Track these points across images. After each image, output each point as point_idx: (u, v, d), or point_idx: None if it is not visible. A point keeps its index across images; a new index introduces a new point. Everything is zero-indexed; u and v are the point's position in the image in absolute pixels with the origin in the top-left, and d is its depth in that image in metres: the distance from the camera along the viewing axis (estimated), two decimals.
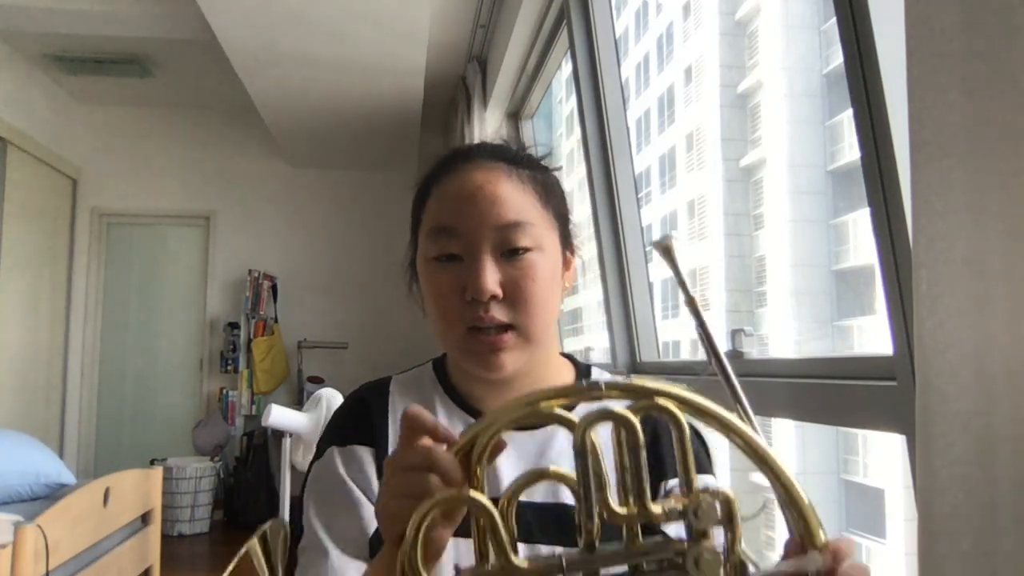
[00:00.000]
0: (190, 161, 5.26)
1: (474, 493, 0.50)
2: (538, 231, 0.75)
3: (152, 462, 4.38)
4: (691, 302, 0.59)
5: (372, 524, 0.73)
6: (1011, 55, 0.56)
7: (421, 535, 0.48)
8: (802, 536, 0.49)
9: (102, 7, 3.47)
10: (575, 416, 0.49)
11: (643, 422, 0.76)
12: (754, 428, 0.51)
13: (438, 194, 0.78)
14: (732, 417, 0.50)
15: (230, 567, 0.85)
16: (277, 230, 5.31)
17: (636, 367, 2.18)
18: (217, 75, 4.22)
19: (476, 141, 0.84)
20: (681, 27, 6.02)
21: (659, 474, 0.75)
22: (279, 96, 3.96)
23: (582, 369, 0.86)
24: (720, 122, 5.04)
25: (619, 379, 0.50)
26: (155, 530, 2.83)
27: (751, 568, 0.47)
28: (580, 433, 0.48)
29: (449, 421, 0.79)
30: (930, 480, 0.61)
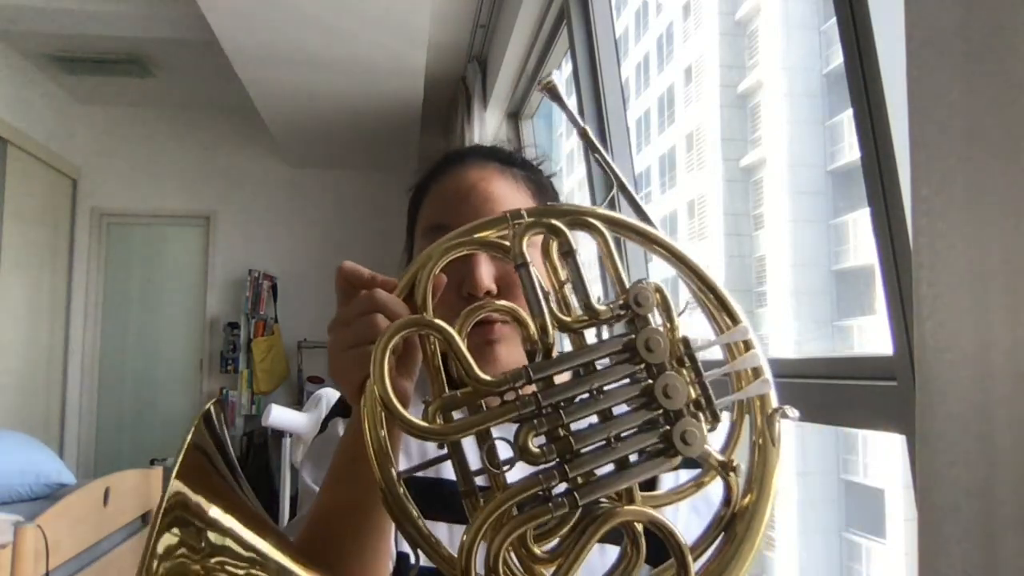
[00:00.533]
0: (190, 161, 5.26)
1: (432, 318, 0.50)
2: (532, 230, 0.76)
3: (152, 462, 4.38)
4: (584, 133, 0.61)
5: None
6: (1012, 55, 0.56)
7: (388, 375, 0.48)
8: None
9: (102, 7, 3.47)
10: (508, 237, 0.51)
11: None
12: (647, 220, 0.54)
13: (433, 194, 0.79)
14: (650, 228, 0.52)
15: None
16: (277, 230, 5.31)
17: None
18: (217, 75, 4.22)
19: (475, 142, 0.87)
20: (681, 27, 6.03)
21: None
22: (279, 96, 3.96)
23: None
24: (720, 122, 5.04)
25: (543, 207, 0.52)
26: None
27: (694, 340, 0.50)
28: (518, 239, 0.50)
29: None
30: (930, 480, 0.61)
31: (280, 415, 2.83)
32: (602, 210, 0.51)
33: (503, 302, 0.53)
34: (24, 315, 4.51)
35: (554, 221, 0.50)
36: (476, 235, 0.52)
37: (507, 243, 0.51)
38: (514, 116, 3.85)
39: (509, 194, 0.77)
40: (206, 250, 5.27)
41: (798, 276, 4.33)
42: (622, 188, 0.61)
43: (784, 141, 4.37)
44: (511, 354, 0.75)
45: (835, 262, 4.08)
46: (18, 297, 4.43)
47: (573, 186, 4.75)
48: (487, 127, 3.65)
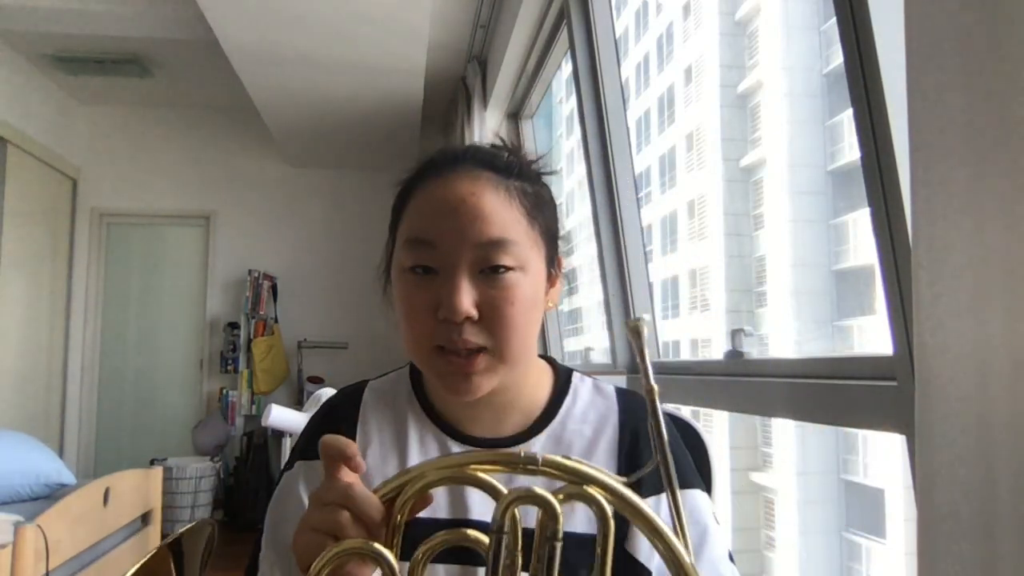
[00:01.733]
0: (190, 161, 5.26)
1: (379, 546, 0.50)
2: (522, 250, 0.70)
3: (152, 462, 4.38)
4: (650, 391, 0.56)
5: None
6: (1011, 55, 0.56)
7: None
8: None
9: (102, 7, 3.47)
10: (503, 488, 0.49)
11: (624, 421, 0.77)
12: (681, 524, 0.50)
13: (420, 199, 0.73)
14: (654, 517, 0.49)
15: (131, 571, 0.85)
16: (277, 230, 5.31)
17: (636, 367, 2.18)
18: (217, 75, 4.21)
19: (475, 141, 0.82)
20: (681, 27, 6.02)
21: (635, 489, 0.72)
22: (279, 96, 3.96)
23: (561, 375, 0.82)
24: (720, 122, 5.04)
25: (558, 458, 0.50)
26: (155, 530, 2.83)
27: None
28: (501, 509, 0.48)
29: (421, 436, 0.76)
30: (930, 480, 0.61)
31: (280, 415, 2.83)
32: (614, 483, 0.49)
33: None
34: (24, 315, 4.51)
35: (548, 497, 0.49)
36: (469, 468, 0.50)
37: (501, 489, 0.49)
38: (514, 116, 3.85)
39: (501, 211, 0.70)
40: (206, 250, 5.27)
41: (798, 276, 4.33)
42: (663, 460, 0.57)
43: (784, 141, 4.37)
44: (488, 384, 0.71)
45: (835, 262, 4.07)
46: (18, 297, 4.43)
47: (573, 186, 4.75)
48: (487, 127, 3.65)
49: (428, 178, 0.73)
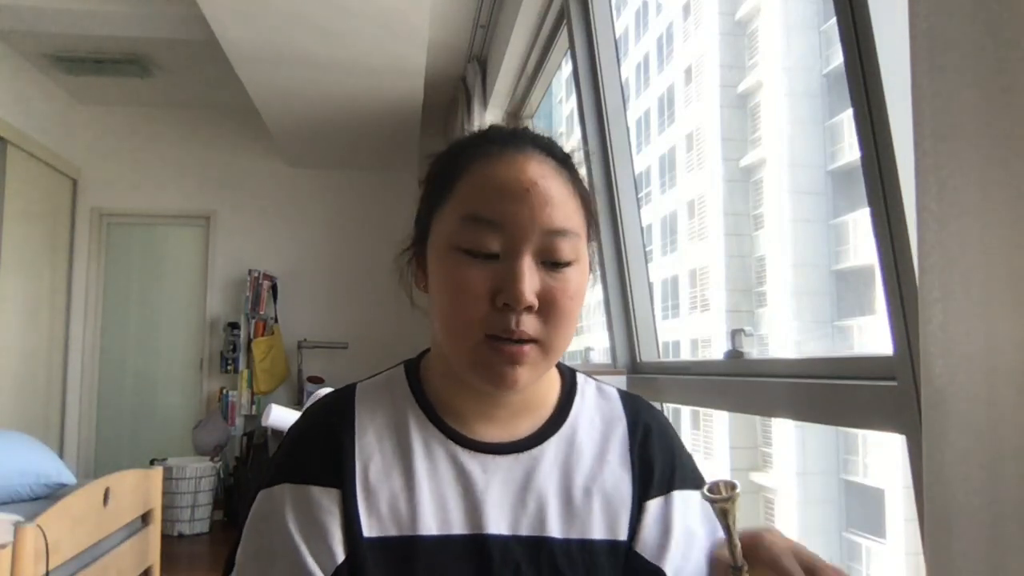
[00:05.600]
0: (190, 161, 5.26)
1: None
2: (580, 244, 0.68)
3: (152, 462, 4.38)
4: (738, 570, 0.54)
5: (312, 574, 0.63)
6: (1015, 55, 0.56)
7: None
8: None
9: (102, 7, 3.47)
10: None
11: (633, 423, 0.76)
12: None
13: (479, 175, 0.67)
14: None
15: None
16: (277, 230, 5.31)
17: (636, 367, 2.18)
18: (217, 75, 4.22)
19: (525, 125, 0.76)
20: (681, 27, 6.02)
21: (644, 484, 0.72)
22: (279, 96, 3.96)
23: (567, 374, 0.80)
24: (720, 122, 5.04)
25: None
26: (155, 530, 2.83)
27: None
28: None
29: (425, 444, 0.70)
30: (935, 479, 0.61)
31: (280, 415, 2.83)
32: None
33: None
34: (24, 315, 4.51)
35: None
36: None
37: None
38: (514, 116, 3.84)
39: (567, 202, 0.68)
40: (206, 250, 5.27)
41: (798, 276, 4.33)
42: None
43: (784, 141, 4.37)
44: (531, 378, 0.67)
45: (835, 262, 4.08)
46: (18, 297, 4.43)
47: None
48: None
49: (487, 153, 0.68)
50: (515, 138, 0.70)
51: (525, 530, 0.67)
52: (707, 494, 0.56)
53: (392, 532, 0.65)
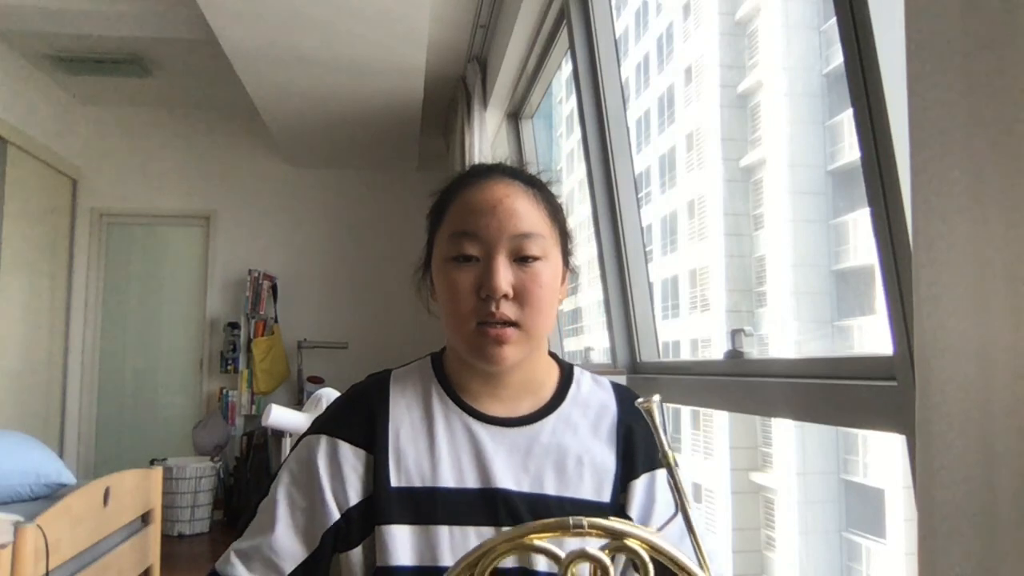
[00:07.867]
0: (190, 161, 5.26)
1: None
2: (546, 243, 0.84)
3: (152, 462, 4.38)
4: (664, 456, 0.67)
5: (328, 518, 0.81)
6: (1012, 54, 0.56)
7: None
8: None
9: (102, 7, 3.46)
10: (560, 552, 0.60)
11: (621, 409, 0.90)
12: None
13: (460, 202, 0.85)
14: (692, 565, 0.59)
15: None
16: (277, 230, 5.30)
17: (636, 367, 2.18)
18: (217, 75, 4.21)
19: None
20: (681, 27, 6.03)
21: (629, 469, 0.86)
22: (279, 96, 3.96)
23: (565, 369, 0.94)
24: (720, 122, 5.04)
25: (600, 520, 0.60)
26: (155, 530, 2.83)
27: None
28: (563, 569, 0.60)
29: (446, 416, 0.86)
30: (930, 479, 0.61)
31: (280, 415, 2.83)
32: (653, 538, 0.60)
33: None
34: (24, 315, 4.51)
35: (600, 555, 0.60)
36: (527, 539, 0.60)
37: (559, 554, 0.60)
38: (514, 116, 3.84)
39: (531, 211, 0.84)
40: (206, 250, 5.27)
41: (798, 276, 4.33)
42: (687, 521, 0.65)
43: (784, 141, 4.37)
44: (516, 355, 0.82)
45: (835, 262, 4.08)
46: (18, 297, 4.43)
47: (574, 185, 4.76)
48: (487, 127, 3.64)
49: (466, 185, 0.87)
50: (489, 170, 0.89)
51: (527, 487, 0.83)
52: (637, 404, 0.70)
53: (416, 484, 0.82)
